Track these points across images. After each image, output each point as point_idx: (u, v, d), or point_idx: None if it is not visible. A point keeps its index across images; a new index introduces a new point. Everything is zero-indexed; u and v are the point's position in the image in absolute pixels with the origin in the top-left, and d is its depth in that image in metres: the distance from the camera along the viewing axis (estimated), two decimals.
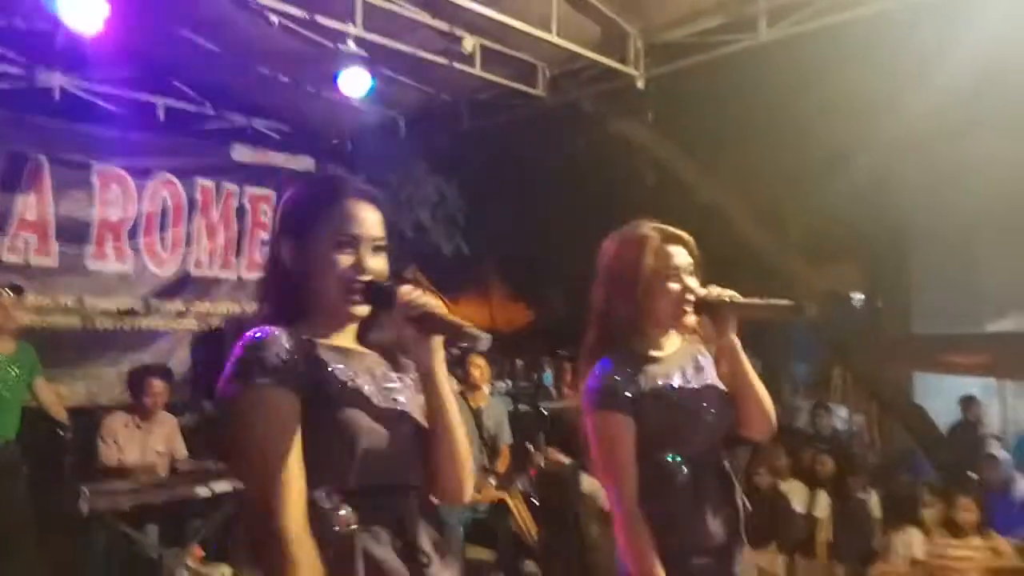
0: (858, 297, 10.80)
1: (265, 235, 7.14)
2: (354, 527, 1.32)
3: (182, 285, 6.68)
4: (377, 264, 1.48)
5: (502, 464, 5.59)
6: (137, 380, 5.06)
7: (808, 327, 9.12)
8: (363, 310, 1.46)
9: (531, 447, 6.09)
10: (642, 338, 2.00)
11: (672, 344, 2.06)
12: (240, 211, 7.01)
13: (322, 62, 5.58)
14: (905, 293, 9.54)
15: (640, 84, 5.68)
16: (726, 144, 7.41)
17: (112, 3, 4.44)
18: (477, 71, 5.79)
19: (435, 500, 1.55)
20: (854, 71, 5.72)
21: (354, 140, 7.51)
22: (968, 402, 7.93)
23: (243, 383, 1.31)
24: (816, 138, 6.88)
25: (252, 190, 7.06)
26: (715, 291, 2.00)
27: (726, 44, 5.14)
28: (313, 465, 1.32)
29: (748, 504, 2.01)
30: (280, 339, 1.36)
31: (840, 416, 9.40)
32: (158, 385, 4.98)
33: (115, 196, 6.30)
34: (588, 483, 6.04)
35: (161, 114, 6.60)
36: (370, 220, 1.49)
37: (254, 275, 7.11)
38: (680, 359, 2.03)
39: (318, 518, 1.31)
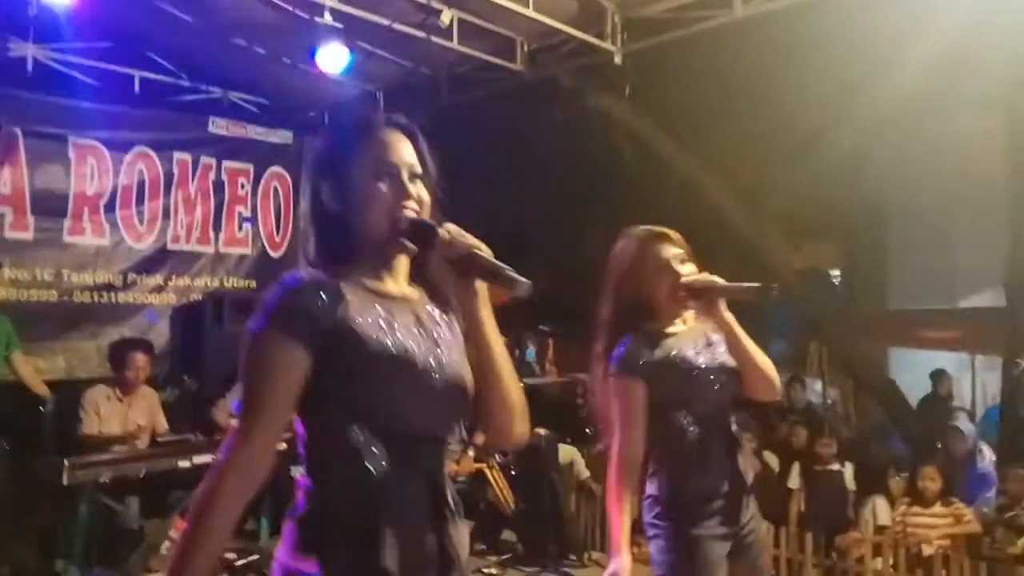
0: (835, 274, 10.96)
1: (244, 209, 7.13)
2: (385, 467, 1.32)
3: (160, 259, 6.68)
4: (419, 191, 1.43)
5: (480, 436, 5.66)
6: (119, 354, 5.07)
7: (785, 303, 9.24)
8: (410, 245, 1.42)
9: None
10: (654, 320, 2.32)
11: (681, 325, 2.36)
12: (218, 184, 6.99)
13: (299, 34, 5.54)
14: (881, 270, 9.69)
15: (618, 59, 5.71)
16: (703, 120, 7.46)
17: None
18: (455, 45, 5.79)
19: (490, 443, 1.80)
20: (828, 49, 5.78)
21: (332, 113, 7.48)
22: (939, 376, 8.06)
23: (256, 327, 1.34)
24: (792, 115, 6.94)
25: (230, 163, 7.04)
26: (700, 279, 2.29)
27: (702, 20, 5.18)
28: (349, 412, 1.33)
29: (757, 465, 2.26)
30: (307, 288, 1.35)
31: (816, 390, 9.57)
32: (140, 359, 4.99)
33: (91, 169, 6.28)
34: (565, 454, 6.15)
35: (137, 86, 6.56)
36: (405, 148, 1.45)
37: (232, 249, 7.11)
38: (692, 335, 2.34)
39: (349, 454, 1.32)
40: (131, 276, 6.51)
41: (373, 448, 1.32)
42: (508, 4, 5.16)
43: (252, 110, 7.32)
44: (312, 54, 5.36)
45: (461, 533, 1.42)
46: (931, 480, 4.93)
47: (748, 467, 2.36)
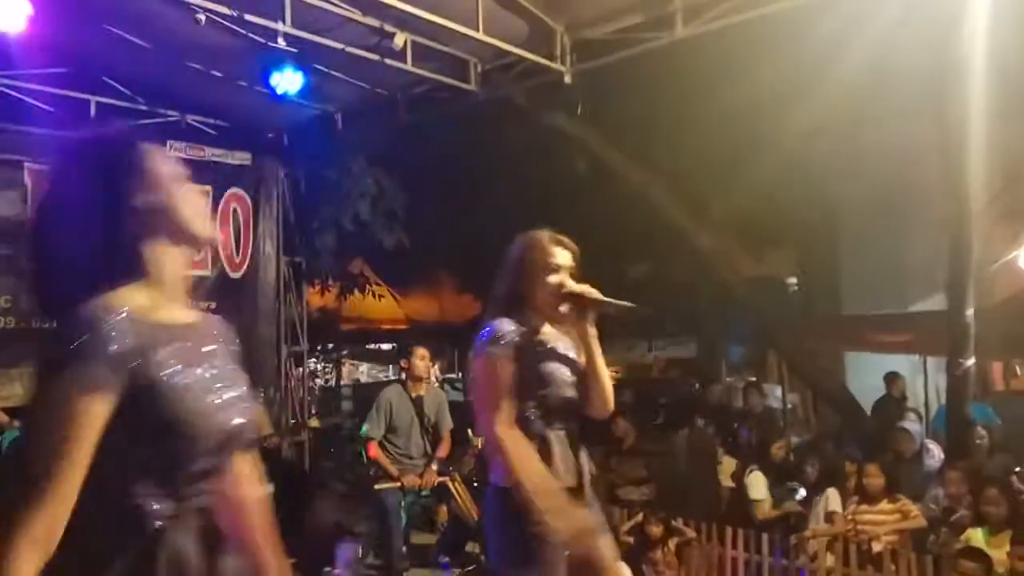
0: (791, 281, 11.23)
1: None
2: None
3: None
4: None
5: (444, 449, 5.72)
6: None
7: (742, 311, 9.46)
8: (211, 231, 1.53)
9: (472, 432, 6.26)
10: (531, 315, 2.46)
11: (556, 327, 2.52)
12: None
13: (255, 57, 5.63)
14: (835, 275, 9.93)
15: (568, 78, 5.88)
16: (651, 134, 7.70)
17: (38, 1, 4.46)
18: (409, 67, 5.90)
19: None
20: (763, 65, 6.06)
21: (291, 134, 7.55)
22: (892, 378, 8.28)
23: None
24: (735, 127, 7.20)
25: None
26: (578, 287, 2.44)
27: (646, 41, 5.40)
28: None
29: (594, 468, 2.58)
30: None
31: (776, 396, 9.78)
32: None
33: None
34: None
35: (93, 111, 6.58)
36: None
37: (191, 271, 7.12)
38: (560, 335, 2.51)
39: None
40: None
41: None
42: (457, 27, 5.30)
43: (210, 132, 7.36)
44: (266, 78, 5.44)
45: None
46: (875, 477, 5.10)
47: (589, 467, 2.50)
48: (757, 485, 5.99)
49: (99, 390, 1.24)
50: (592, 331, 2.45)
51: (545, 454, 2.34)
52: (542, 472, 2.29)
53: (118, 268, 1.36)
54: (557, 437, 2.39)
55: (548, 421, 2.38)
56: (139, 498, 1.30)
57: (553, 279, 2.43)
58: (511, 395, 2.33)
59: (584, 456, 2.48)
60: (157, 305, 1.38)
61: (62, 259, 1.37)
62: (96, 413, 1.24)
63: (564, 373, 2.42)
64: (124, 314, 1.29)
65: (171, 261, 1.43)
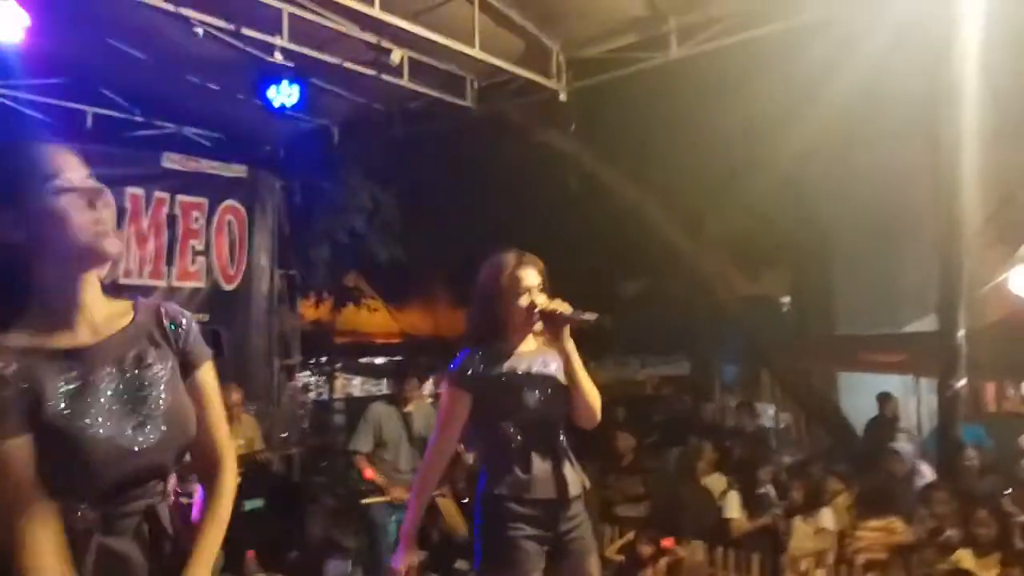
0: (784, 300, 11.25)
1: (197, 243, 7.13)
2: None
3: (112, 294, 6.63)
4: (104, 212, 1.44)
5: None
6: None
7: (735, 330, 9.48)
8: (114, 246, 1.44)
9: (460, 448, 6.23)
10: (502, 339, 2.57)
11: (528, 345, 2.61)
12: (171, 219, 6.99)
13: (252, 70, 5.65)
14: (828, 296, 9.97)
15: (563, 96, 5.94)
16: (645, 152, 7.76)
17: (36, 13, 4.47)
18: (405, 82, 5.93)
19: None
20: (756, 86, 6.13)
21: (287, 147, 7.57)
22: (884, 398, 8.28)
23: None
24: (727, 148, 7.26)
25: (183, 198, 7.05)
26: (548, 305, 2.52)
27: (641, 60, 5.46)
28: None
29: (587, 481, 2.62)
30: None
31: (769, 415, 9.78)
32: None
33: None
34: None
35: (89, 122, 6.58)
36: (79, 164, 1.45)
37: (185, 283, 7.11)
38: (530, 356, 2.59)
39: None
40: None
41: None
42: (454, 44, 5.34)
43: (206, 144, 7.36)
44: (263, 92, 5.46)
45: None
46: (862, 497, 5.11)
47: (574, 477, 2.56)
48: (732, 504, 5.99)
49: (5, 434, 1.29)
50: (570, 344, 2.51)
51: (524, 468, 2.45)
52: (419, 489, 2.62)
53: (9, 294, 1.35)
54: (536, 451, 2.48)
55: (527, 436, 2.48)
56: (67, 506, 1.34)
57: (523, 301, 2.51)
58: (455, 424, 2.52)
59: (570, 469, 2.54)
60: (53, 331, 1.36)
61: None
62: (9, 453, 1.30)
63: (534, 393, 2.50)
64: (8, 355, 1.30)
65: (71, 278, 1.38)
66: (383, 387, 14.45)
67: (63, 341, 1.37)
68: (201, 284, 7.20)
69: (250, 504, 5.58)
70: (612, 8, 5.28)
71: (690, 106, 6.87)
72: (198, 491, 1.53)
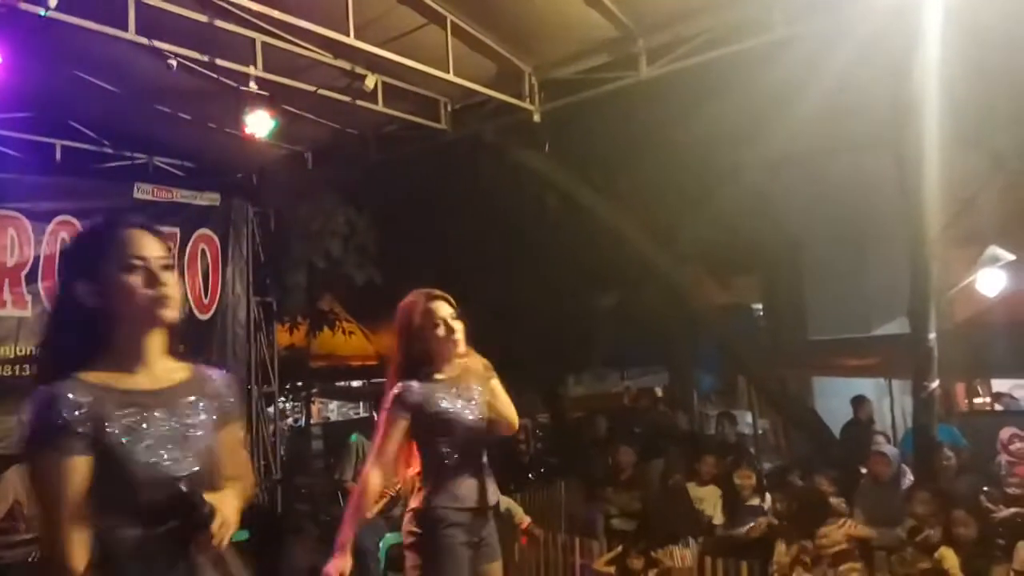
0: (757, 307, 11.42)
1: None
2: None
3: None
4: (169, 281, 1.69)
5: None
6: None
7: (710, 338, 9.59)
8: (170, 315, 1.68)
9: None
10: (431, 365, 2.86)
11: (454, 370, 2.89)
12: None
13: (223, 99, 5.63)
14: (800, 302, 10.12)
15: (536, 117, 6.00)
16: (618, 170, 7.89)
17: (3, 47, 4.43)
18: (380, 107, 5.96)
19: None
20: (725, 102, 6.27)
21: (260, 174, 7.53)
22: (859, 401, 8.36)
23: (29, 450, 1.69)
24: (698, 163, 7.40)
25: (156, 227, 6.96)
26: (458, 331, 2.83)
27: (612, 80, 5.55)
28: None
29: (498, 493, 2.95)
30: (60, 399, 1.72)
31: (747, 422, 9.86)
32: None
33: (12, 240, 6.16)
34: (504, 501, 6.19)
35: (59, 155, 6.51)
36: (152, 244, 1.71)
37: None
38: (457, 381, 2.88)
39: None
40: None
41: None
42: (428, 70, 5.38)
43: (178, 174, 7.31)
44: (236, 121, 5.44)
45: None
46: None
47: (493, 488, 2.90)
48: (716, 513, 6.03)
49: (61, 453, 1.53)
50: (484, 363, 2.89)
51: (457, 481, 2.79)
52: (355, 505, 2.79)
53: (88, 344, 1.64)
54: (466, 466, 2.82)
55: (458, 454, 2.80)
56: (109, 526, 1.58)
57: (440, 332, 2.80)
58: (391, 445, 2.77)
59: (490, 481, 2.89)
60: (119, 376, 1.64)
61: (49, 336, 1.73)
62: (68, 470, 1.54)
63: (463, 414, 2.83)
64: (76, 387, 1.57)
65: (137, 336, 1.67)
66: (360, 410, 14.34)
67: (126, 384, 1.66)
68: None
69: (235, 536, 5.51)
70: (583, 30, 5.35)
71: (661, 123, 7.01)
72: None
